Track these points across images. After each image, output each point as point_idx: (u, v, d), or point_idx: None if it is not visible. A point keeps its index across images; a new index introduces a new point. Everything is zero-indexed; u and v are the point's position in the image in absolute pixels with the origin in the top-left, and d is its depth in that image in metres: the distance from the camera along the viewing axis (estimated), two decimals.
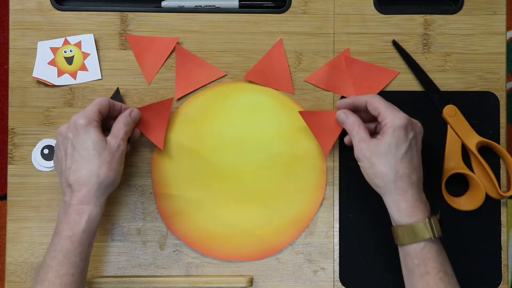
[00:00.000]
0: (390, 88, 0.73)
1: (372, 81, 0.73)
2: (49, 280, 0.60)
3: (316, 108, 0.73)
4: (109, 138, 0.64)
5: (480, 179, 0.71)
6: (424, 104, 0.73)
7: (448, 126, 0.72)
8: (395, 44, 0.73)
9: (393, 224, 0.64)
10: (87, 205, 0.61)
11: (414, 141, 0.64)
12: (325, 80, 0.73)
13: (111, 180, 0.63)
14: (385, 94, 0.73)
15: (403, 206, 0.62)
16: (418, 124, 0.65)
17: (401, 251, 0.64)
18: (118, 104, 0.67)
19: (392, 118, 0.63)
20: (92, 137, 0.62)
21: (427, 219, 0.61)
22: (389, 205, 0.63)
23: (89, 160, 0.62)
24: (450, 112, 0.72)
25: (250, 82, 0.73)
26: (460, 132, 0.71)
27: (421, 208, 0.62)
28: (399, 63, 0.73)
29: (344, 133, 0.70)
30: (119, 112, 0.67)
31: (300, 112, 0.72)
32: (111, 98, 0.72)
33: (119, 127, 0.65)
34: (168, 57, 0.73)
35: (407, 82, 0.73)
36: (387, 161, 0.62)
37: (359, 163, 0.65)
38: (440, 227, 0.63)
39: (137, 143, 0.72)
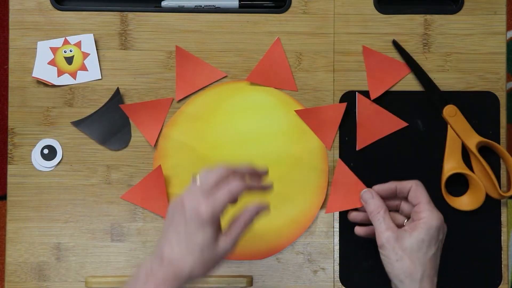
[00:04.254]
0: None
1: (387, 73, 0.73)
2: None
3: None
4: (223, 238, 0.59)
5: (480, 179, 0.71)
6: (424, 104, 0.73)
7: (448, 126, 0.72)
8: (395, 44, 0.73)
9: None
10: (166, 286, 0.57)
11: (441, 243, 0.64)
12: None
13: (201, 277, 0.58)
14: (386, 94, 0.73)
15: None
16: (445, 226, 0.65)
17: None
18: (240, 169, 0.62)
19: (430, 215, 0.63)
20: (206, 236, 0.57)
21: None
22: None
23: (191, 252, 0.57)
24: (450, 112, 0.72)
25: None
26: (460, 132, 0.71)
27: None
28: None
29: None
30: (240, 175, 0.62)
31: (297, 111, 0.72)
32: (111, 98, 0.72)
33: (237, 230, 0.60)
34: (169, 58, 0.73)
35: (407, 82, 0.73)
36: (417, 258, 0.61)
37: (381, 251, 0.63)
38: None
39: (137, 143, 0.72)
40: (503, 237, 0.72)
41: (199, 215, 0.57)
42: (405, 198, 0.67)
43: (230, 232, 0.59)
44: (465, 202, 0.72)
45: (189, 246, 0.57)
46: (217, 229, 0.58)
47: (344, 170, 0.72)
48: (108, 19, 0.73)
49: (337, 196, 0.71)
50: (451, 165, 0.71)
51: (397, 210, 0.68)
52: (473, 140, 0.71)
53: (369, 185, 0.72)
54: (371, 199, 0.66)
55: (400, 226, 0.65)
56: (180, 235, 0.58)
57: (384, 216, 0.64)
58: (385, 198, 0.67)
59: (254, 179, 0.63)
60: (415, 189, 0.65)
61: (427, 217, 0.62)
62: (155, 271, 0.57)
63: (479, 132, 0.71)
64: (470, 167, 0.72)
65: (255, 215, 0.61)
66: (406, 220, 0.67)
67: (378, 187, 0.68)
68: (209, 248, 0.57)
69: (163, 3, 0.74)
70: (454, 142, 0.72)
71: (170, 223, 0.59)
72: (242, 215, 0.60)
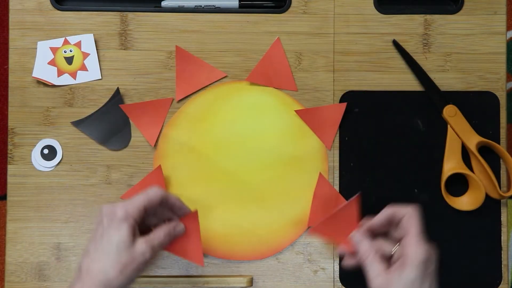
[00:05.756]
0: (391, 88, 0.73)
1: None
2: None
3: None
4: (141, 240, 0.60)
5: (480, 179, 0.71)
6: (424, 104, 0.73)
7: (448, 126, 0.72)
8: (396, 44, 0.73)
9: None
10: None
11: (433, 274, 0.59)
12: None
13: (118, 284, 0.58)
14: (386, 94, 0.73)
15: None
16: (434, 255, 0.61)
17: None
18: (172, 198, 0.63)
19: (416, 250, 0.59)
20: (121, 234, 0.58)
21: None
22: None
23: (107, 255, 0.58)
24: (450, 112, 0.72)
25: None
26: (460, 132, 0.71)
27: None
28: (399, 63, 0.73)
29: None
30: (172, 205, 0.63)
31: (297, 111, 0.72)
32: (111, 98, 0.72)
33: (159, 236, 0.61)
34: (169, 58, 0.73)
35: (407, 82, 0.73)
36: None
37: None
38: None
39: (137, 143, 0.72)
40: (503, 237, 0.72)
41: (114, 214, 0.58)
42: (397, 224, 0.63)
43: (149, 237, 0.60)
44: (465, 202, 0.72)
45: (105, 247, 0.58)
46: (134, 231, 0.59)
47: (324, 184, 0.71)
48: (108, 19, 0.73)
49: (317, 210, 0.71)
50: (451, 165, 0.71)
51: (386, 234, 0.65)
52: (473, 140, 0.71)
53: (369, 185, 0.72)
54: (360, 243, 0.63)
55: (388, 256, 0.63)
56: (97, 242, 0.58)
57: (373, 260, 0.62)
58: (380, 228, 0.64)
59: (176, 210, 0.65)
60: (408, 218, 0.61)
61: (413, 253, 0.59)
62: (73, 286, 0.58)
63: (479, 132, 0.71)
64: (470, 167, 0.72)
65: (174, 232, 0.63)
66: (395, 247, 0.63)
67: (376, 221, 0.64)
68: (126, 248, 0.58)
69: (163, 3, 0.74)
70: (454, 142, 0.72)
71: (91, 236, 0.60)
72: (164, 226, 0.62)
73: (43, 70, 0.72)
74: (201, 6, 0.74)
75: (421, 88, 0.73)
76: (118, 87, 0.72)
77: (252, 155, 0.72)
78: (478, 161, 0.71)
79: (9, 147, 0.72)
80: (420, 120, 0.73)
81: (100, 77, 0.73)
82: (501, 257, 0.72)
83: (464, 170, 0.71)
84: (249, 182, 0.72)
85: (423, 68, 0.73)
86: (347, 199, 0.72)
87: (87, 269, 0.58)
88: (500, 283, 0.72)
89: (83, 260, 0.59)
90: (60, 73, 0.72)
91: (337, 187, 0.72)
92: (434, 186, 0.72)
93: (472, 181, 0.71)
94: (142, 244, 0.59)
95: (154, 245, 0.60)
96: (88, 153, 0.72)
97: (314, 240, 0.72)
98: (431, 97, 0.73)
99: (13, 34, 0.73)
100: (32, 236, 0.72)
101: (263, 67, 0.73)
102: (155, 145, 0.72)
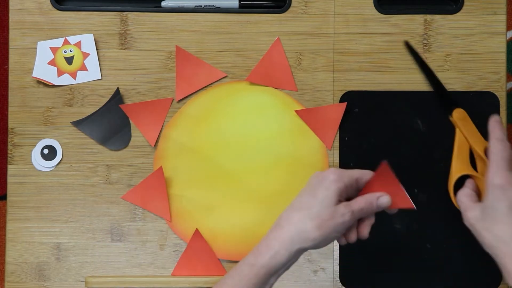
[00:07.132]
0: (391, 88, 0.73)
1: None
2: None
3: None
4: (343, 204, 0.59)
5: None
6: (424, 104, 0.73)
7: (457, 129, 0.71)
8: (407, 45, 0.72)
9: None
10: (279, 243, 0.59)
11: None
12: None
13: (313, 238, 0.58)
14: (386, 94, 0.73)
15: None
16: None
17: None
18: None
19: (491, 174, 0.61)
20: (328, 192, 0.58)
21: None
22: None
23: (309, 208, 0.58)
24: (459, 115, 0.71)
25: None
26: (468, 136, 0.70)
27: None
28: (399, 63, 0.73)
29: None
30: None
31: (297, 111, 0.72)
32: (111, 98, 0.72)
33: (359, 203, 0.60)
34: (169, 58, 0.73)
35: (407, 82, 0.73)
36: (502, 226, 0.61)
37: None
38: None
39: (137, 143, 0.72)
40: None
41: (325, 177, 0.59)
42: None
43: (349, 203, 0.60)
44: None
45: (310, 201, 0.59)
46: (340, 194, 0.59)
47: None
48: (108, 19, 0.73)
49: None
50: (459, 167, 0.70)
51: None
52: (480, 144, 0.70)
53: None
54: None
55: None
56: (302, 196, 0.60)
57: (460, 198, 0.66)
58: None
59: None
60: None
61: (489, 176, 0.62)
62: (268, 230, 0.60)
63: (479, 132, 0.71)
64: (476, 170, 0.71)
65: (376, 202, 0.61)
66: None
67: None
68: (328, 206, 0.58)
69: (163, 3, 0.74)
70: (462, 145, 0.70)
71: (297, 196, 0.62)
72: (367, 197, 0.61)
73: (43, 70, 0.72)
74: (201, 6, 0.74)
75: (421, 88, 0.73)
76: (118, 87, 0.72)
77: (252, 155, 0.72)
78: (484, 165, 0.70)
79: (9, 147, 0.72)
80: (420, 120, 0.73)
81: (100, 77, 0.73)
82: None
83: (472, 172, 0.70)
84: (250, 182, 0.72)
85: (434, 71, 0.72)
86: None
87: (287, 217, 0.59)
88: (500, 283, 0.72)
89: (285, 211, 0.60)
90: (60, 73, 0.72)
91: None
92: (434, 186, 0.72)
93: (480, 184, 0.70)
94: (343, 207, 0.59)
95: (354, 210, 0.59)
96: (88, 153, 0.72)
97: None
98: (440, 100, 0.72)
99: (13, 34, 0.73)
100: (32, 236, 0.72)
101: (263, 67, 0.73)
102: (155, 145, 0.72)
